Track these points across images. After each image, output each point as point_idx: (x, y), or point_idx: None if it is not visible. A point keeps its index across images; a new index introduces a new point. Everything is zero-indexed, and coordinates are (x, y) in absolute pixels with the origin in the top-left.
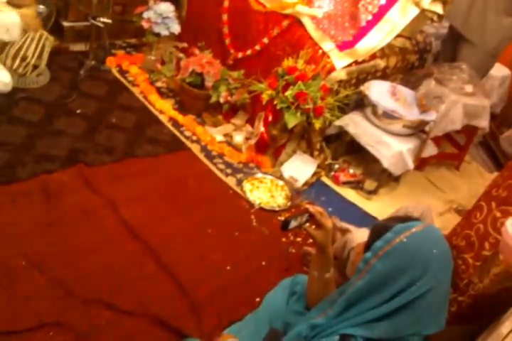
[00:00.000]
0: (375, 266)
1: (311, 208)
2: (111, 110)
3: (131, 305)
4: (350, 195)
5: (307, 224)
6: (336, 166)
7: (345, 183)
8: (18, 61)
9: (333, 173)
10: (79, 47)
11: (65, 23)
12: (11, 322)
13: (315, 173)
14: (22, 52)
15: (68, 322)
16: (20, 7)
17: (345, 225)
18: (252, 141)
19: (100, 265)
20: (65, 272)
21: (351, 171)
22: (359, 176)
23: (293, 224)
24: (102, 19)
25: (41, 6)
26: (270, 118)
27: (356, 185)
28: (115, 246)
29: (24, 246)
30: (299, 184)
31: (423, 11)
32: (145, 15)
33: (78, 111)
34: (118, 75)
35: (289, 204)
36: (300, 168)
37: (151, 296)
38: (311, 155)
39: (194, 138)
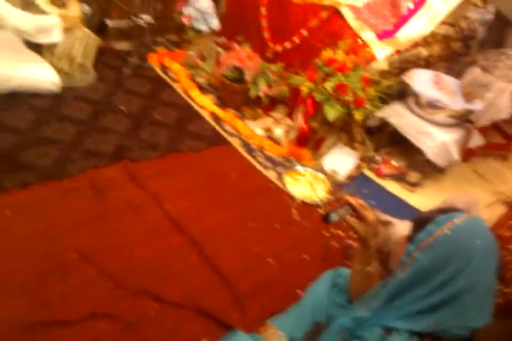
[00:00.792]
0: (418, 259)
1: (353, 200)
2: (154, 106)
3: (177, 297)
4: (393, 187)
5: (349, 217)
6: (378, 158)
7: (388, 176)
8: (65, 61)
9: (375, 166)
10: (122, 45)
11: (109, 23)
12: (65, 312)
13: (356, 166)
14: (68, 52)
15: (118, 313)
16: (65, 7)
17: (388, 218)
18: (292, 134)
19: (146, 257)
20: (113, 264)
21: (394, 163)
22: (402, 168)
23: (334, 216)
24: (143, 17)
25: (86, 6)
26: (310, 110)
27: (399, 177)
28: (160, 239)
29: (76, 239)
30: (340, 177)
31: None
32: (185, 11)
33: (123, 108)
34: (160, 72)
35: (330, 197)
36: (341, 160)
37: (196, 288)
38: (352, 147)
39: (234, 132)
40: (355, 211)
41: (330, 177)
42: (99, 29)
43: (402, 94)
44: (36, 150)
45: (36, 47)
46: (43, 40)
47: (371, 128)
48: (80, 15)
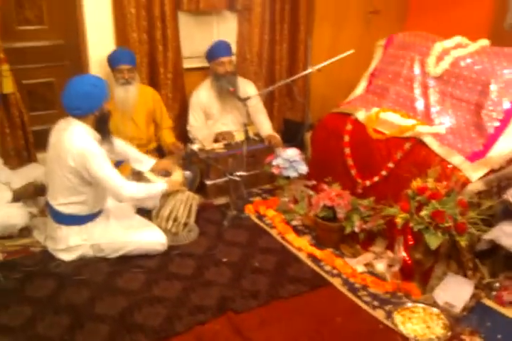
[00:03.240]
0: None
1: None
2: (253, 254)
3: None
4: None
5: None
6: (497, 284)
7: (511, 303)
8: (170, 222)
9: (494, 293)
10: (221, 200)
11: (208, 182)
12: None
13: (473, 295)
14: (173, 214)
15: None
16: (169, 175)
17: None
18: (396, 268)
19: None
20: None
21: None
22: None
23: None
24: (238, 174)
25: (187, 172)
26: (410, 241)
27: None
28: None
29: None
30: (457, 310)
31: None
32: (274, 162)
33: (224, 259)
34: (257, 220)
35: (449, 334)
36: (455, 291)
37: None
38: (465, 275)
39: (335, 272)
40: None
41: (445, 311)
42: (200, 188)
43: (508, 212)
44: (146, 310)
45: (145, 212)
46: (151, 205)
47: (483, 251)
48: (183, 180)
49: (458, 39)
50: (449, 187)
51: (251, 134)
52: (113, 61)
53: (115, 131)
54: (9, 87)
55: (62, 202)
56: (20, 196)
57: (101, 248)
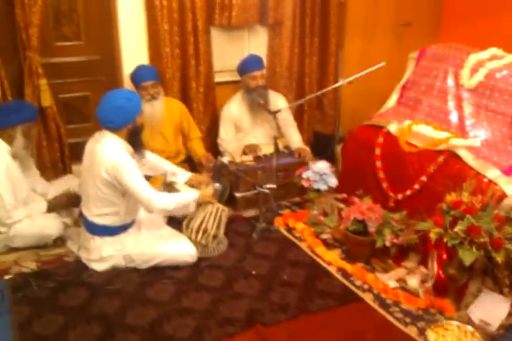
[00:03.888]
0: None
1: None
2: (282, 267)
3: None
4: None
5: None
6: None
7: None
8: (200, 234)
9: None
10: (250, 212)
11: (237, 194)
12: None
13: (510, 314)
14: (203, 226)
15: None
16: (199, 187)
17: None
18: (429, 284)
19: None
20: None
21: None
22: None
23: None
24: (267, 186)
25: (217, 184)
26: (444, 256)
27: None
28: None
29: None
30: (493, 328)
31: None
32: (304, 175)
33: (253, 272)
34: (286, 233)
35: None
36: (490, 309)
37: None
38: (501, 292)
39: (365, 286)
40: None
41: (480, 329)
42: (229, 200)
43: None
44: (176, 321)
45: (176, 223)
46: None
47: None
48: (213, 192)
49: (493, 50)
50: (485, 201)
51: (281, 147)
52: (136, 79)
53: (145, 145)
54: (47, 100)
55: (96, 213)
56: (54, 206)
57: (132, 258)
